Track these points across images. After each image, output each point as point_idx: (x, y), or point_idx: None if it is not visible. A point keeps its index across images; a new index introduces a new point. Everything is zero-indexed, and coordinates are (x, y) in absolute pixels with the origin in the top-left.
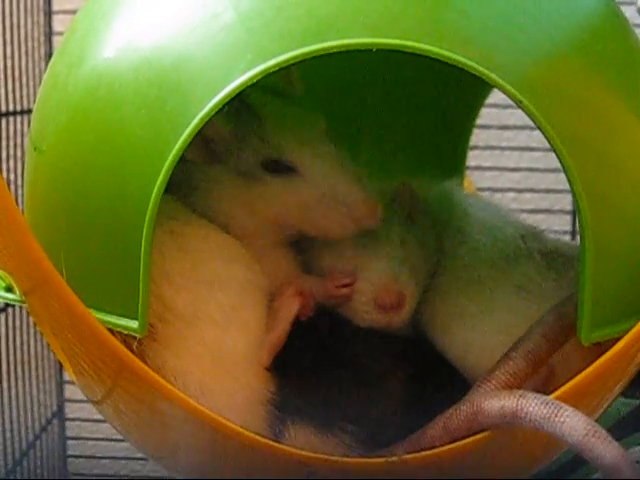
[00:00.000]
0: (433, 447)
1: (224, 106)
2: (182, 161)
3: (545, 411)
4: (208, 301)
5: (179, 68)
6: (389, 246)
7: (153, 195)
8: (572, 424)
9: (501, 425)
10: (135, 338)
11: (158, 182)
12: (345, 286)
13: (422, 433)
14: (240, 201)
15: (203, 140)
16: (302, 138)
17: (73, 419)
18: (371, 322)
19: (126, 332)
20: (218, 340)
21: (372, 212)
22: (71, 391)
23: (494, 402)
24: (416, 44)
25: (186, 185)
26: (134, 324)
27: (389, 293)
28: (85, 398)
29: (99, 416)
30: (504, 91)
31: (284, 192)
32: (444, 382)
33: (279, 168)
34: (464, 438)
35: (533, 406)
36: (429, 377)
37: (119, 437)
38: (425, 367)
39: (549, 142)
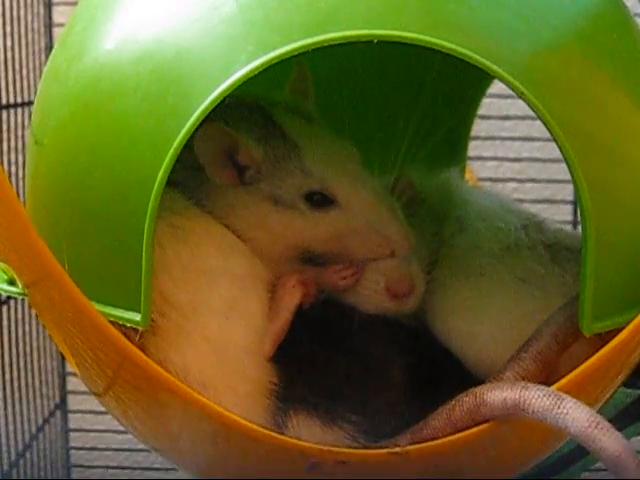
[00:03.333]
0: (436, 438)
1: (225, 99)
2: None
3: (547, 402)
4: (209, 294)
5: (180, 60)
6: None
7: (155, 187)
8: (574, 415)
9: (504, 416)
10: (136, 331)
11: (160, 174)
12: (347, 276)
13: (425, 424)
14: (267, 227)
15: (234, 164)
16: (342, 170)
17: (75, 411)
18: (381, 310)
19: (128, 325)
20: (219, 333)
21: (406, 242)
22: (73, 383)
23: (497, 393)
24: (417, 35)
25: (202, 194)
26: (136, 317)
27: (401, 281)
28: (87, 390)
29: (101, 408)
30: (505, 82)
31: (324, 225)
32: (447, 372)
33: (321, 200)
34: (467, 429)
35: (535, 398)
36: (432, 367)
37: (121, 429)
38: (428, 357)
39: (550, 132)
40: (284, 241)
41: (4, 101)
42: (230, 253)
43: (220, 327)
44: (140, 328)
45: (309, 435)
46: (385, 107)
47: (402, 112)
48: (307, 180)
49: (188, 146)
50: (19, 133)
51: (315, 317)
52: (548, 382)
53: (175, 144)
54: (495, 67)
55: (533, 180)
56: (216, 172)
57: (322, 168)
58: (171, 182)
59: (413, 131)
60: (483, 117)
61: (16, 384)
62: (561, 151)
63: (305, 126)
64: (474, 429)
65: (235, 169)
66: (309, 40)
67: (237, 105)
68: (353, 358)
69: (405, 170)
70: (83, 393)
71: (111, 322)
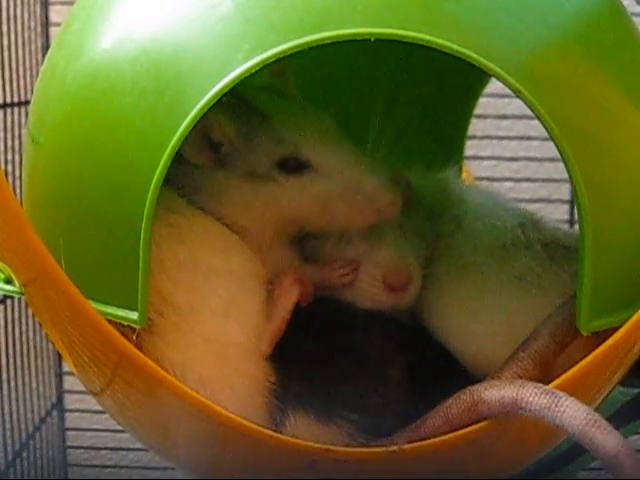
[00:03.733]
0: (433, 436)
1: (222, 97)
2: (186, 164)
3: (545, 401)
4: (206, 293)
5: (177, 59)
6: (391, 232)
7: (152, 186)
8: (572, 413)
9: (501, 415)
10: (133, 330)
11: (157, 173)
12: (345, 274)
13: (422, 422)
14: (250, 204)
15: (210, 144)
16: (315, 134)
17: (72, 410)
18: (379, 303)
19: (125, 323)
20: (217, 332)
21: (392, 201)
22: (70, 382)
23: (494, 392)
24: (414, 34)
25: (190, 187)
26: (134, 315)
27: (398, 273)
28: (84, 389)
29: (98, 407)
30: (503, 81)
31: (302, 190)
32: (444, 370)
33: (295, 166)
34: (464, 427)
35: (533, 396)
36: (429, 365)
37: (118, 428)
38: (425, 355)
39: (548, 132)
40: (269, 217)
41: (0, 100)
42: (227, 252)
43: (218, 326)
44: (137, 326)
45: (307, 433)
46: (380, 105)
47: (399, 111)
48: (278, 147)
49: None
50: (15, 132)
51: (312, 315)
52: (545, 381)
53: (172, 143)
54: (493, 66)
55: (529, 179)
56: (194, 153)
57: (293, 134)
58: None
59: (410, 130)
60: (480, 116)
61: (13, 383)
62: (559, 150)
63: (277, 100)
64: (472, 427)
65: (212, 150)
66: (306, 39)
67: None
68: (350, 356)
69: (402, 169)
70: (80, 392)
71: (108, 321)
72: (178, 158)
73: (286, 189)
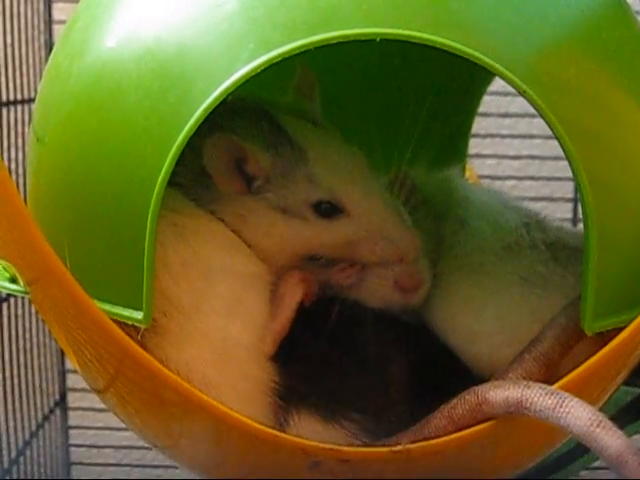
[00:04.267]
0: (437, 436)
1: (227, 98)
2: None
3: (550, 401)
4: (210, 293)
5: (182, 58)
6: None
7: (157, 186)
8: (577, 414)
9: (505, 415)
10: (137, 331)
11: (162, 173)
12: (351, 275)
13: (426, 422)
14: (275, 234)
15: (242, 173)
16: (351, 178)
17: (75, 408)
18: (388, 303)
19: (130, 323)
20: (221, 332)
21: (414, 248)
22: (73, 380)
23: (499, 392)
24: (419, 34)
25: (209, 199)
26: (138, 315)
27: (411, 275)
28: (88, 387)
29: (102, 405)
30: (508, 80)
31: (332, 233)
32: (447, 371)
33: (329, 210)
34: (468, 428)
35: (538, 396)
36: (433, 365)
37: (122, 426)
38: (428, 355)
39: (552, 130)
40: (292, 249)
41: (4, 98)
42: (231, 252)
43: (222, 326)
44: (142, 326)
45: (310, 433)
46: (385, 105)
47: (403, 110)
48: (315, 190)
49: (196, 151)
50: (19, 130)
51: (316, 315)
52: (550, 381)
53: (177, 143)
54: (497, 65)
55: (532, 178)
56: (224, 182)
57: (330, 177)
58: (177, 185)
59: (414, 129)
60: (483, 115)
61: (16, 381)
62: (563, 149)
63: (312, 131)
64: (476, 427)
65: (243, 178)
66: (311, 38)
67: (243, 110)
68: (354, 356)
69: (406, 168)
70: (83, 390)
71: (113, 320)
72: (200, 169)
73: (316, 230)
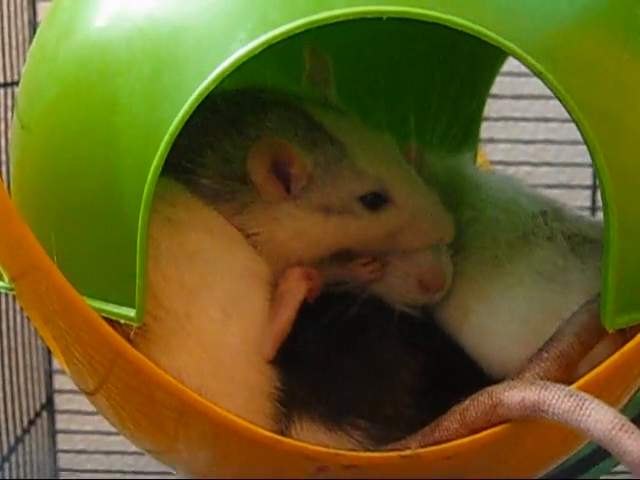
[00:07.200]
0: (448, 440)
1: (224, 80)
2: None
3: (569, 404)
4: (205, 294)
5: (175, 38)
6: None
7: (149, 175)
8: (597, 417)
9: (521, 417)
10: (128, 332)
11: (155, 162)
12: (375, 270)
13: (437, 425)
14: (316, 236)
15: (280, 177)
16: (392, 166)
17: (63, 411)
18: (408, 300)
19: (122, 321)
20: (216, 337)
21: (452, 227)
22: (61, 381)
23: (515, 393)
24: (428, 12)
25: (241, 210)
26: (130, 312)
27: (435, 273)
28: (76, 389)
29: (91, 408)
30: (523, 61)
31: (379, 223)
32: (459, 371)
33: (375, 201)
34: (482, 431)
35: (556, 398)
36: (443, 366)
37: (112, 430)
38: (439, 355)
39: (569, 113)
40: (331, 247)
41: None
42: (228, 248)
43: (217, 330)
44: (134, 324)
45: (314, 441)
46: (391, 87)
47: (410, 92)
48: (361, 182)
49: (219, 153)
50: (1, 115)
51: (320, 313)
52: (569, 382)
53: (171, 129)
54: (511, 45)
55: (548, 164)
56: (269, 188)
57: (374, 167)
58: (200, 189)
59: (422, 112)
60: (495, 96)
61: (0, 382)
62: (581, 132)
63: (343, 122)
64: (490, 430)
65: (282, 182)
66: (313, 17)
67: (272, 105)
68: (359, 358)
69: (422, 151)
70: (71, 392)
71: (103, 319)
72: (223, 171)
73: (364, 223)
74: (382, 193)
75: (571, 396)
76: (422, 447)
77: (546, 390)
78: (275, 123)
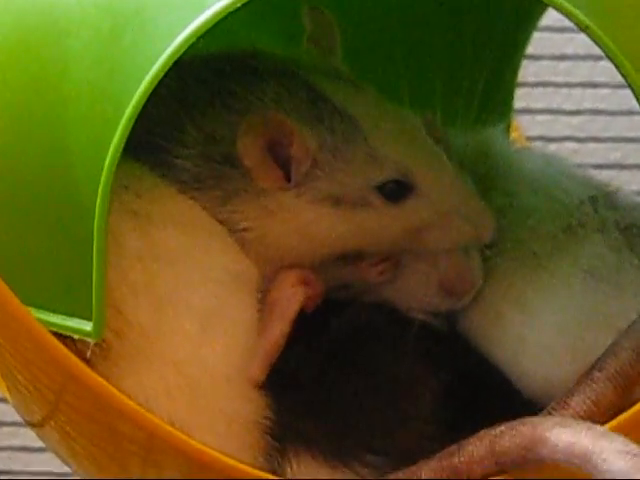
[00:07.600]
0: (470, 469)
1: (199, 39)
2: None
3: (629, 465)
4: (178, 305)
5: None
6: None
7: (108, 159)
8: None
9: (565, 464)
10: (83, 352)
11: (115, 141)
12: (386, 270)
13: (458, 448)
14: (322, 232)
15: (278, 161)
16: (416, 148)
17: (5, 448)
18: (428, 306)
19: (76, 336)
20: (191, 356)
21: (491, 224)
22: (2, 411)
23: (564, 433)
24: None
25: (232, 200)
26: (87, 326)
27: (460, 275)
28: (20, 420)
29: (39, 443)
30: (566, 14)
31: (402, 218)
32: (491, 392)
33: (397, 190)
34: (512, 466)
35: (614, 454)
36: (471, 386)
37: (66, 470)
38: (465, 373)
39: (623, 76)
40: (340, 247)
41: None
42: (207, 247)
43: (193, 348)
44: (92, 340)
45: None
46: (409, 47)
47: (431, 51)
48: (379, 168)
49: (201, 130)
50: None
51: (319, 326)
52: (625, 406)
53: (134, 100)
54: None
55: (597, 139)
56: (263, 174)
57: (394, 150)
58: (175, 173)
59: (446, 77)
60: (532, 57)
61: None
62: (637, 100)
63: (355, 94)
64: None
65: (280, 167)
66: None
67: (268, 75)
68: (369, 379)
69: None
70: (13, 424)
71: (53, 334)
72: (211, 154)
73: (380, 218)
74: (405, 181)
75: (633, 456)
76: (439, 474)
77: (605, 440)
78: (270, 95)
